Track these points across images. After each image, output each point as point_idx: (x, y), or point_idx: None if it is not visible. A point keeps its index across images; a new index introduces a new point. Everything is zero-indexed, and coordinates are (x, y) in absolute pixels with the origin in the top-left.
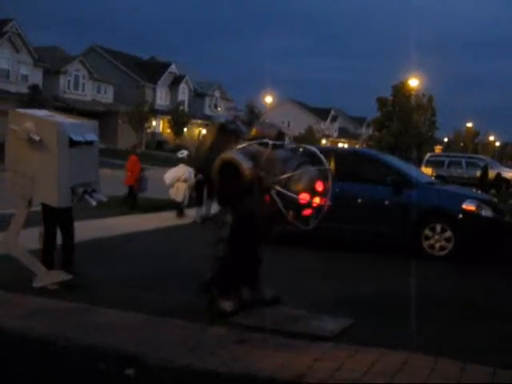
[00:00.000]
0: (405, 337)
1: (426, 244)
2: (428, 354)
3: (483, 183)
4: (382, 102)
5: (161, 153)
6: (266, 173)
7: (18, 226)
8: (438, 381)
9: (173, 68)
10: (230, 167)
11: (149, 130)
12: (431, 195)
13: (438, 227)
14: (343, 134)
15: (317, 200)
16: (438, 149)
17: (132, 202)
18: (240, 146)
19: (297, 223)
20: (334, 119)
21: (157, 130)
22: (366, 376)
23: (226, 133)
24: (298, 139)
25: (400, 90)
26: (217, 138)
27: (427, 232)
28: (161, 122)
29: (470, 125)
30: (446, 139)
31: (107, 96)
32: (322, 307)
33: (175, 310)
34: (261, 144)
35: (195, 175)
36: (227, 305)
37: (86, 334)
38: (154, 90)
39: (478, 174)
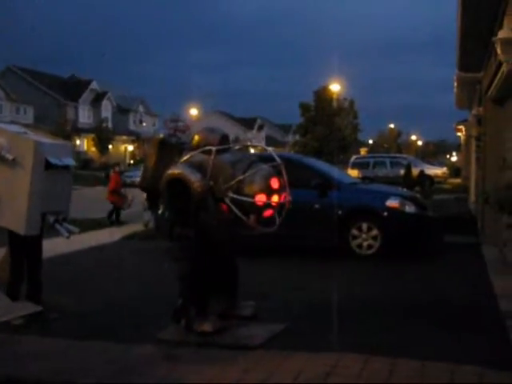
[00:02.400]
0: (335, 339)
1: (353, 243)
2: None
3: (407, 181)
4: (304, 107)
5: (87, 172)
6: (216, 181)
7: None
8: (368, 380)
9: (94, 85)
10: (178, 182)
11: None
12: (355, 195)
13: (365, 226)
14: (271, 142)
15: (275, 198)
16: (363, 151)
17: (115, 217)
18: (184, 158)
19: (260, 227)
20: (260, 128)
21: (81, 149)
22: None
23: (167, 147)
24: None
25: (321, 95)
26: (159, 154)
27: (354, 231)
28: (85, 141)
29: (392, 126)
30: (370, 141)
31: (27, 117)
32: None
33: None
34: (205, 152)
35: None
36: (208, 325)
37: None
38: (76, 109)
39: (402, 172)
